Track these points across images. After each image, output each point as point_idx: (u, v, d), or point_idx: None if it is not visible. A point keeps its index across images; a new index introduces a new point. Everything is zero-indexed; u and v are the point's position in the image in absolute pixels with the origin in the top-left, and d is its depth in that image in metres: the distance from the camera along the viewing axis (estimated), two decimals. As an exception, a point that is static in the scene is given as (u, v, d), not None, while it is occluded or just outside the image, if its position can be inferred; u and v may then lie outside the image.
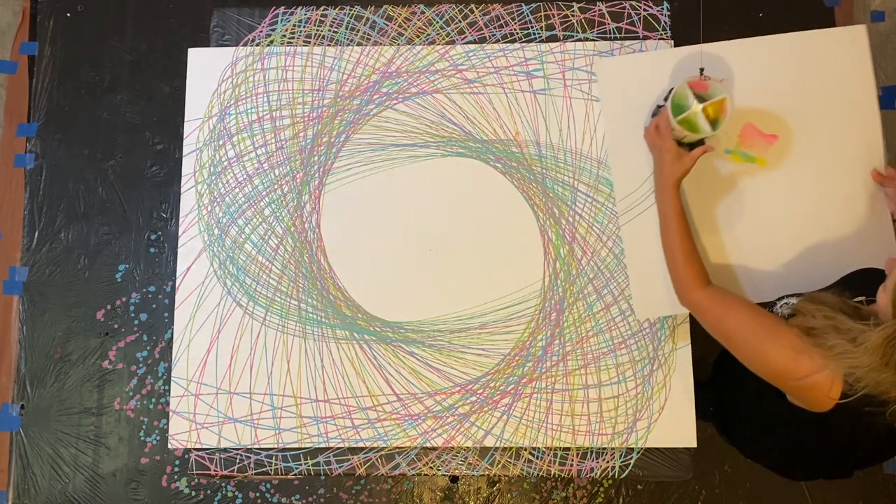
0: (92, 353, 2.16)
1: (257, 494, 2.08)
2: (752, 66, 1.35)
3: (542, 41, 1.50)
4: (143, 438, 2.12)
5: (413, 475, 1.81)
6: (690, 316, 1.39)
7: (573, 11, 1.52)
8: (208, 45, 1.53)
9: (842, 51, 1.34)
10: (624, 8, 1.52)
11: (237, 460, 1.42)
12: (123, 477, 2.10)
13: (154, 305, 2.19)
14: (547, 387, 1.40)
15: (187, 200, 1.47)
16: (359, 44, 1.52)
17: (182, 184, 1.48)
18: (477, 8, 1.53)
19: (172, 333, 1.51)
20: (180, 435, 1.41)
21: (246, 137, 1.48)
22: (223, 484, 2.09)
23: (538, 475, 1.78)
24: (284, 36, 1.53)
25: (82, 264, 2.21)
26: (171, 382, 1.42)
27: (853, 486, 2.07)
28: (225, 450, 1.41)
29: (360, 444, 1.40)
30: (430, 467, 1.41)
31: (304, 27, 1.53)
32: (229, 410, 1.41)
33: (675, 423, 1.38)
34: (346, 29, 1.53)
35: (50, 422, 2.13)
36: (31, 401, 2.15)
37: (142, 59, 2.31)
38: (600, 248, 1.43)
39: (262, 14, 1.54)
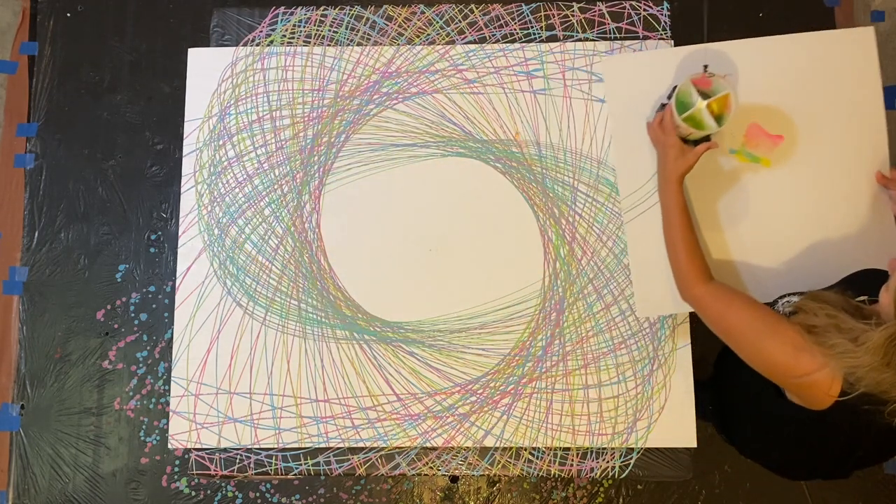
0: (92, 353, 2.16)
1: (257, 494, 2.08)
2: (759, 65, 1.34)
3: (542, 41, 1.50)
4: (143, 438, 2.12)
5: (413, 475, 1.81)
6: (690, 316, 1.39)
7: (573, 11, 1.52)
8: (208, 45, 1.53)
9: (849, 52, 1.33)
10: (624, 8, 1.52)
11: (237, 460, 1.42)
12: (123, 477, 2.10)
13: (154, 305, 2.19)
14: (547, 387, 1.40)
15: (187, 200, 1.47)
16: (359, 44, 1.52)
17: (182, 184, 1.48)
18: (477, 8, 1.53)
19: (172, 333, 1.51)
20: (180, 435, 1.41)
21: (246, 137, 1.48)
22: (223, 484, 2.09)
23: (538, 475, 1.78)
24: (284, 36, 1.53)
25: (82, 264, 2.21)
26: (171, 382, 1.42)
27: (853, 486, 2.07)
28: (225, 450, 1.41)
29: (360, 444, 1.40)
30: (430, 467, 1.41)
31: (304, 27, 1.53)
32: (229, 410, 1.41)
33: (674, 423, 1.38)
34: (346, 29, 1.53)
35: (50, 422, 2.13)
36: (31, 401, 2.15)
37: (142, 59, 2.31)
38: (600, 248, 1.43)
39: (262, 14, 1.54)
